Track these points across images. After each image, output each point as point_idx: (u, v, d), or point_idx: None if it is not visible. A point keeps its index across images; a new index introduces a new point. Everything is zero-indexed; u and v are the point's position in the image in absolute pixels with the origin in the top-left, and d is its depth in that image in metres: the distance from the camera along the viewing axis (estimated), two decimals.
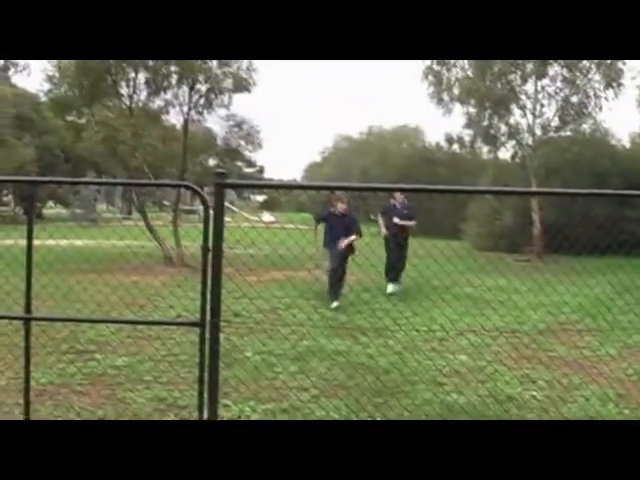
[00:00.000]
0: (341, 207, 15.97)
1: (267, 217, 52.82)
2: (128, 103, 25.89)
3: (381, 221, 18.60)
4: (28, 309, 5.93)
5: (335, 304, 14.83)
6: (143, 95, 26.43)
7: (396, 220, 17.92)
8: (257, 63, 27.34)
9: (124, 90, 25.89)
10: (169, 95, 26.69)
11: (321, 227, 16.38)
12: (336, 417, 7.70)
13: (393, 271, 17.63)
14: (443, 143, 57.54)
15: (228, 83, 26.90)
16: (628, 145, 45.26)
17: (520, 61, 34.41)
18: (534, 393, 8.90)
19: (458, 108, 39.12)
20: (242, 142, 30.55)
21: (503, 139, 38.23)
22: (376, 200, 59.65)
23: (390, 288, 17.15)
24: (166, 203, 42.70)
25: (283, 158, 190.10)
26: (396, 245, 17.79)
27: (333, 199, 16.22)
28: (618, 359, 10.75)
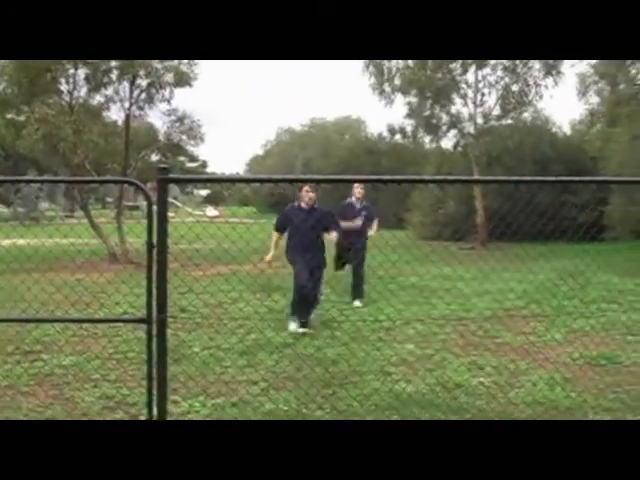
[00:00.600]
0: (308, 198, 12.37)
1: (211, 211, 52.66)
2: (68, 100, 25.68)
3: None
4: None
5: (294, 327, 11.93)
6: (83, 91, 26.27)
7: (357, 222, 14.56)
8: None
9: (64, 87, 25.74)
10: (110, 91, 26.58)
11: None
12: (286, 409, 7.72)
13: (357, 287, 14.76)
14: (385, 134, 57.89)
15: (169, 77, 26.78)
16: (569, 132, 45.82)
17: None
18: (482, 379, 8.97)
19: (400, 98, 39.36)
20: (184, 137, 30.31)
21: (445, 128, 38.53)
22: (322, 193, 59.80)
23: (357, 303, 14.52)
24: (109, 200, 42.43)
25: (226, 152, 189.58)
26: (355, 254, 14.20)
27: (299, 188, 12.53)
28: (564, 344, 10.88)
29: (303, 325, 11.86)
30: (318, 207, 12.63)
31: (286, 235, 12.45)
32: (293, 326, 11.90)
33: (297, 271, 12.11)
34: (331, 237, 12.64)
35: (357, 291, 14.76)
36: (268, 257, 12.27)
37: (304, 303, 12.03)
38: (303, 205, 12.42)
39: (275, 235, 12.44)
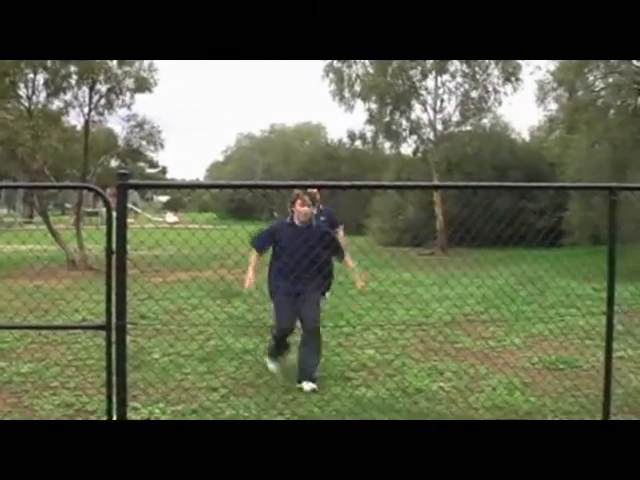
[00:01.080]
0: (303, 214, 9.47)
1: (171, 217, 52.48)
2: (27, 104, 25.49)
3: None
4: None
5: (274, 367, 9.86)
6: (42, 96, 26.11)
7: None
8: (157, 63, 27.28)
9: (23, 91, 25.53)
10: (69, 96, 26.43)
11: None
12: (246, 415, 7.71)
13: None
14: (345, 139, 57.88)
15: (129, 83, 26.71)
16: (528, 139, 46.19)
17: None
18: (442, 384, 9.02)
19: (360, 105, 39.44)
20: (144, 142, 30.26)
21: (405, 134, 38.64)
22: (280, 199, 59.49)
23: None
24: (68, 206, 42.20)
25: (186, 158, 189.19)
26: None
27: (292, 201, 9.56)
28: (523, 348, 10.96)
29: (310, 379, 9.13)
30: (317, 223, 9.77)
31: (270, 259, 9.76)
32: (272, 366, 9.83)
33: (278, 304, 9.56)
34: (349, 263, 9.93)
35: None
36: (247, 284, 9.62)
37: (283, 347, 9.85)
38: (297, 222, 9.50)
39: (253, 257, 9.60)
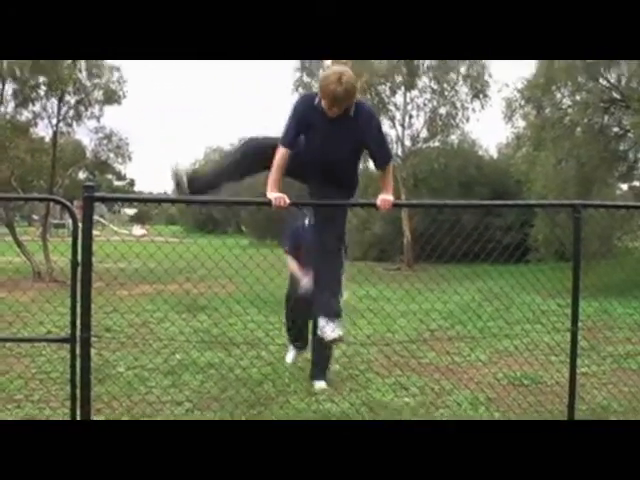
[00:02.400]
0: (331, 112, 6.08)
1: (137, 230, 52.31)
2: None
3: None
4: None
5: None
6: (10, 107, 25.99)
7: None
8: (127, 74, 27.32)
9: None
10: (37, 107, 26.31)
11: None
12: None
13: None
14: None
15: (98, 95, 26.67)
16: (495, 155, 46.43)
17: (388, 72, 34.95)
18: (407, 399, 9.03)
19: None
20: (112, 155, 30.25)
21: None
22: (246, 213, 59.34)
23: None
24: (35, 217, 42.00)
25: (153, 170, 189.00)
26: None
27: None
28: (488, 364, 10.98)
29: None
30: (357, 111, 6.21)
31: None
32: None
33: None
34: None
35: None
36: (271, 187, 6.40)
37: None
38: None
39: (283, 154, 6.31)
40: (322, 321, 6.56)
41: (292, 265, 9.70)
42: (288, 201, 6.24)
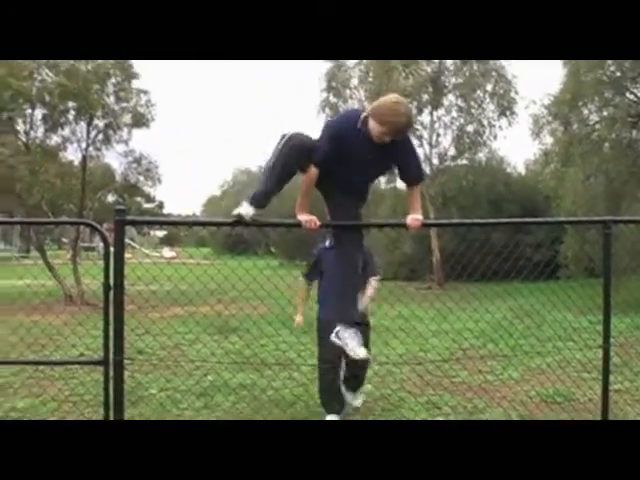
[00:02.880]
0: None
1: (168, 253, 52.45)
2: (24, 140, 25.57)
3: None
4: None
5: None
6: (40, 131, 26.17)
7: None
8: (155, 98, 27.42)
9: (20, 127, 25.60)
10: (67, 131, 26.46)
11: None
12: None
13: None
14: None
15: (126, 118, 26.80)
16: (523, 172, 46.32)
17: (415, 91, 34.95)
18: (439, 418, 9.01)
19: None
20: (141, 177, 30.36)
21: None
22: (275, 234, 59.56)
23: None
24: (65, 240, 42.22)
25: (182, 193, 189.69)
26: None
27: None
28: (521, 382, 10.95)
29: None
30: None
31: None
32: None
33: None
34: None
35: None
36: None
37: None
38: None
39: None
40: (344, 333, 6.50)
41: (301, 294, 9.50)
42: (318, 223, 6.38)
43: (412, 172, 6.67)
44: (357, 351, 6.34)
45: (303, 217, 6.45)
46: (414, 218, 6.60)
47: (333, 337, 6.44)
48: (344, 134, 6.10)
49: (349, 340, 6.38)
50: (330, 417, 8.79)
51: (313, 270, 9.29)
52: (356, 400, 7.50)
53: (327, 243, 9.01)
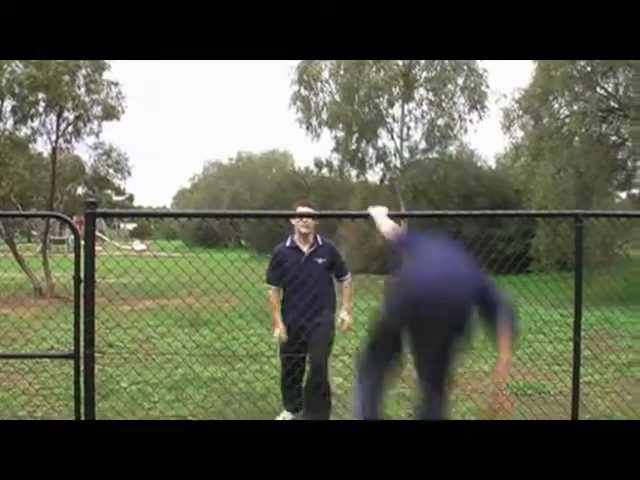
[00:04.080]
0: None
1: (138, 245, 52.26)
2: None
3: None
4: None
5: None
6: (9, 123, 26.00)
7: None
8: (125, 90, 27.30)
9: None
10: (36, 123, 26.31)
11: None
12: None
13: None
14: (312, 167, 58.09)
15: (97, 110, 26.66)
16: (494, 166, 46.51)
17: (386, 85, 35.01)
18: (410, 411, 9.00)
19: (326, 132, 39.61)
20: (111, 170, 30.30)
21: (371, 162, 38.80)
22: (247, 227, 59.36)
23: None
24: (34, 233, 42.02)
25: (152, 185, 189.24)
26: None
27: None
28: (491, 374, 10.97)
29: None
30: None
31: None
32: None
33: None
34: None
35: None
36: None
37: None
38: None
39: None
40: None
41: (272, 301, 8.56)
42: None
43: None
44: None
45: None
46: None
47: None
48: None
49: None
50: (284, 415, 8.73)
51: (275, 272, 8.48)
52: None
53: (288, 242, 8.55)
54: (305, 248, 8.47)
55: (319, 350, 8.32)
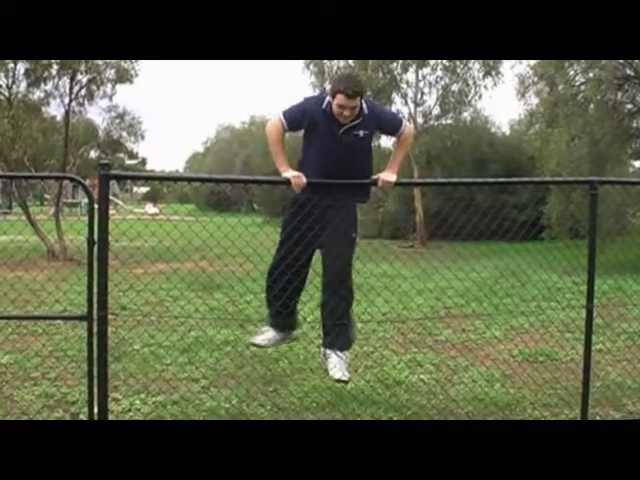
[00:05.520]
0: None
1: (151, 209, 52.33)
2: (7, 94, 25.31)
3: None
4: None
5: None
6: (22, 86, 25.94)
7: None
8: None
9: (2, 81, 25.35)
10: (49, 86, 26.25)
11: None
12: (227, 407, 7.72)
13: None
14: None
15: (110, 74, 26.60)
16: (508, 132, 46.30)
17: None
18: (422, 377, 9.05)
19: None
20: (124, 134, 30.36)
21: None
22: (260, 191, 59.41)
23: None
24: (47, 196, 42.13)
25: (165, 149, 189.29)
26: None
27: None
28: (504, 341, 10.99)
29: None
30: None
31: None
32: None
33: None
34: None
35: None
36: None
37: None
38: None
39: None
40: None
41: (273, 138, 6.72)
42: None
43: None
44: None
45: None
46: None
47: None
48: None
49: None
50: (265, 329, 7.35)
51: (299, 121, 6.67)
52: (336, 370, 6.74)
53: (325, 104, 6.57)
54: (343, 120, 6.53)
55: (340, 243, 6.84)
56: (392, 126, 6.92)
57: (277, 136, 6.60)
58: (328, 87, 6.77)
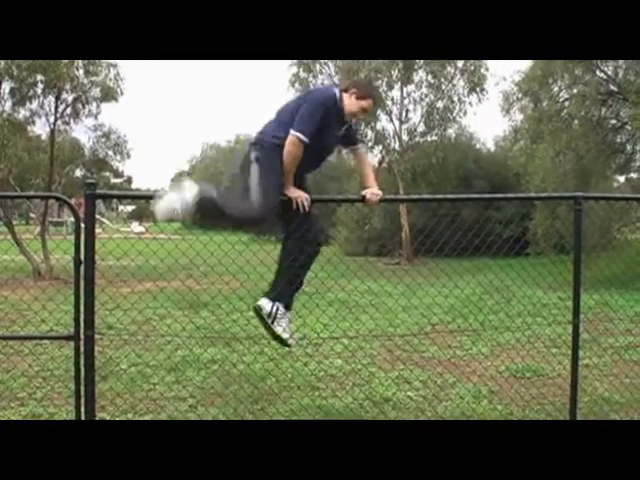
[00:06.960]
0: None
1: (137, 227, 52.20)
2: None
3: None
4: None
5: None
6: (7, 105, 25.90)
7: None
8: (124, 72, 27.24)
9: None
10: (35, 105, 26.22)
11: None
12: None
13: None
14: None
15: (95, 92, 26.59)
16: (493, 148, 46.42)
17: (385, 67, 34.97)
18: (410, 393, 9.06)
19: None
20: (110, 152, 30.25)
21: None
22: None
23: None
24: (32, 215, 42.02)
25: (151, 167, 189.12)
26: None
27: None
28: (490, 357, 11.02)
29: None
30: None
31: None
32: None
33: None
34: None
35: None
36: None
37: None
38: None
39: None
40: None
41: (295, 155, 6.30)
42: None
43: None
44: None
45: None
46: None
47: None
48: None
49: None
50: (282, 319, 6.63)
51: (316, 126, 6.34)
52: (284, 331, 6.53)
53: (338, 94, 6.51)
54: (355, 119, 6.74)
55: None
56: (356, 138, 7.01)
57: (297, 157, 6.26)
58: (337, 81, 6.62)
